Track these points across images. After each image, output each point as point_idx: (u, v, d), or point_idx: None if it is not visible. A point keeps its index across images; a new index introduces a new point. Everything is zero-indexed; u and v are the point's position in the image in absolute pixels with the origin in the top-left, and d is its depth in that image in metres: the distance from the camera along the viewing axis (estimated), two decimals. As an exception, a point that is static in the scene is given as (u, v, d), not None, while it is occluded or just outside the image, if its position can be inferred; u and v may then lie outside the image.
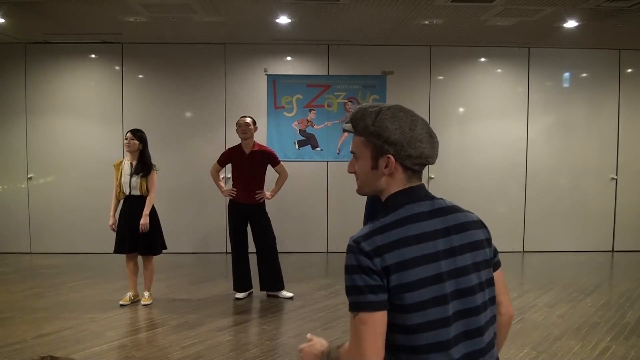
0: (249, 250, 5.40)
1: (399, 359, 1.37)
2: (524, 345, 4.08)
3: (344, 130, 1.57)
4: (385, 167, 1.45)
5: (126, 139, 5.03)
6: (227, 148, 5.59)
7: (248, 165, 5.24)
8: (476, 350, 1.41)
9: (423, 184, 1.52)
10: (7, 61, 7.21)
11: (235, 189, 5.29)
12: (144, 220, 4.95)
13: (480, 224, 1.53)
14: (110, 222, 5.07)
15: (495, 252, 1.55)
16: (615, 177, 7.64)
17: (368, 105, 1.49)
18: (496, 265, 1.55)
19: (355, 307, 1.35)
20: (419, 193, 1.48)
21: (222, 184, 5.57)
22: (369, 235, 1.38)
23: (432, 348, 1.34)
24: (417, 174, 1.50)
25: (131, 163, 5.01)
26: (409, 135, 1.44)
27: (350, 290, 1.36)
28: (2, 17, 5.80)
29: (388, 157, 1.44)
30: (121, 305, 5.01)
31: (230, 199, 5.38)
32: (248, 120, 5.24)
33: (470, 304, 1.40)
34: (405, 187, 1.47)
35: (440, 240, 1.41)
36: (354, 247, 1.37)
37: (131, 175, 4.97)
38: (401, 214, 1.43)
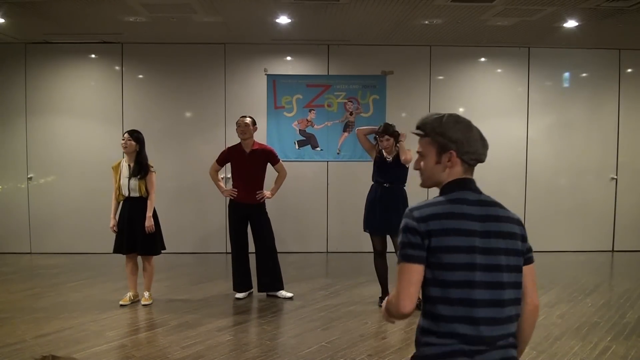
0: (249, 250, 5.40)
1: (436, 309, 1.70)
2: (524, 345, 4.08)
3: (416, 134, 1.87)
4: (448, 161, 1.79)
5: (123, 139, 5.02)
6: (226, 148, 5.57)
7: (248, 164, 5.23)
8: (496, 318, 1.68)
9: (474, 179, 1.83)
10: (7, 61, 7.21)
11: (235, 189, 5.29)
12: (149, 223, 4.95)
13: (518, 222, 1.80)
14: (111, 223, 5.06)
15: (530, 250, 1.80)
16: (615, 177, 7.64)
17: (432, 114, 1.86)
18: (528, 260, 1.79)
19: (400, 258, 1.73)
20: (470, 184, 1.82)
21: (222, 184, 5.57)
22: (423, 207, 1.76)
23: (460, 303, 1.67)
24: (471, 168, 1.83)
25: (129, 165, 5.00)
26: (467, 135, 1.79)
27: (400, 245, 1.75)
28: (2, 17, 5.80)
29: (450, 153, 1.78)
30: (121, 305, 5.01)
31: (230, 199, 5.37)
32: (247, 120, 5.23)
33: (496, 278, 1.69)
34: (460, 177, 1.81)
35: (479, 223, 1.72)
36: (408, 213, 1.77)
37: (129, 178, 4.96)
38: (452, 196, 1.77)
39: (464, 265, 1.68)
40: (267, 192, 5.30)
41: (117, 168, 5.05)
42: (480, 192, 1.82)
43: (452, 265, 1.68)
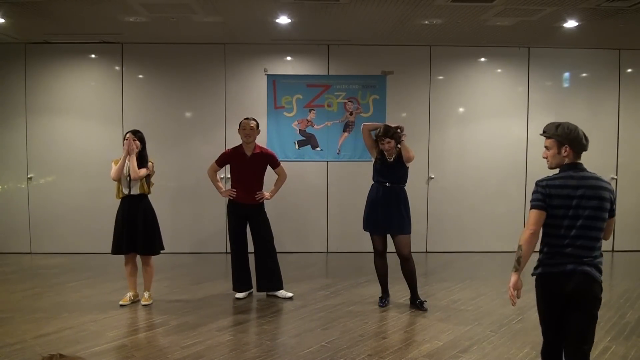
0: (248, 251, 5.40)
1: (549, 237, 2.88)
2: (524, 345, 4.09)
3: (542, 135, 3.01)
4: (565, 153, 2.89)
5: (127, 139, 5.00)
6: (227, 149, 5.54)
7: (249, 167, 5.24)
8: (582, 245, 2.79)
9: (580, 162, 2.94)
10: (7, 61, 7.22)
11: (234, 190, 5.29)
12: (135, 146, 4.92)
13: (609, 190, 2.88)
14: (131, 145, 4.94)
15: (613, 205, 2.90)
16: (615, 177, 7.64)
17: (553, 122, 3.00)
18: (611, 213, 2.90)
19: (531, 206, 2.88)
20: (578, 166, 2.92)
21: (221, 184, 5.55)
22: (546, 179, 2.89)
23: (560, 235, 2.83)
24: (579, 155, 2.92)
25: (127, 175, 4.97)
26: (576, 135, 2.91)
27: (532, 198, 2.88)
28: (2, 17, 5.80)
29: (565, 147, 2.89)
30: (121, 305, 5.01)
31: (229, 200, 5.37)
32: (253, 124, 5.20)
33: (589, 227, 2.80)
34: (572, 162, 2.91)
35: (579, 190, 2.82)
36: (538, 182, 2.90)
37: (130, 176, 4.96)
38: (563, 174, 2.89)
39: (564, 214, 2.83)
40: (266, 193, 5.31)
41: (117, 161, 5.04)
42: (584, 170, 2.94)
43: (557, 210, 2.84)
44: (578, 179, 2.87)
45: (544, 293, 2.97)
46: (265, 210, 5.39)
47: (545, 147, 2.99)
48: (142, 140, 5.06)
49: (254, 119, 5.30)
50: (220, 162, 5.37)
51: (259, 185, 5.31)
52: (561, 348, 2.92)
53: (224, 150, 5.52)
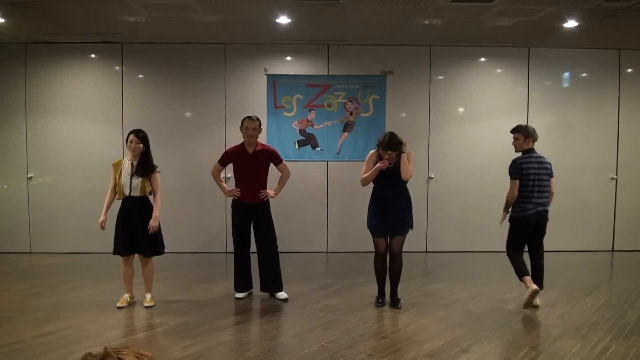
0: (250, 250, 5.39)
1: (523, 193, 5.02)
2: (524, 345, 4.08)
3: (514, 131, 5.22)
4: (526, 143, 5.07)
5: (131, 141, 4.90)
6: (228, 148, 5.47)
7: (251, 164, 5.19)
8: (539, 201, 5.04)
9: (534, 148, 5.08)
10: (7, 61, 7.22)
11: (238, 189, 5.27)
12: (155, 222, 4.91)
13: (549, 164, 5.09)
14: (101, 218, 4.94)
15: (551, 172, 5.12)
16: (615, 176, 7.65)
17: (519, 124, 5.25)
18: (551, 175, 5.10)
19: (511, 177, 5.02)
20: (533, 150, 5.06)
21: (225, 184, 5.49)
22: (519, 160, 5.03)
23: (529, 193, 5.01)
24: (533, 144, 5.07)
25: (132, 163, 4.93)
26: (533, 131, 5.09)
27: (512, 172, 5.02)
28: (2, 17, 5.80)
29: (528, 139, 5.04)
30: (118, 307, 4.97)
31: (233, 199, 5.34)
32: (256, 124, 5.14)
33: (542, 185, 5.02)
34: (530, 148, 5.06)
35: (536, 165, 5.01)
36: (514, 160, 5.05)
37: (132, 176, 4.90)
38: (527, 156, 5.04)
39: (532, 179, 4.97)
40: (270, 192, 5.28)
41: (117, 165, 4.97)
42: (536, 153, 5.04)
43: (525, 178, 4.96)
44: (535, 157, 5.04)
45: (522, 224, 5.08)
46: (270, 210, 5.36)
47: (515, 138, 5.11)
48: (145, 140, 4.96)
49: (257, 118, 5.23)
50: (223, 161, 5.32)
51: (263, 183, 5.27)
52: (524, 246, 5.20)
53: (225, 150, 5.46)
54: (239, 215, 5.30)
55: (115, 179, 4.96)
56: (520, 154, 5.07)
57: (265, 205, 5.28)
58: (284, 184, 5.37)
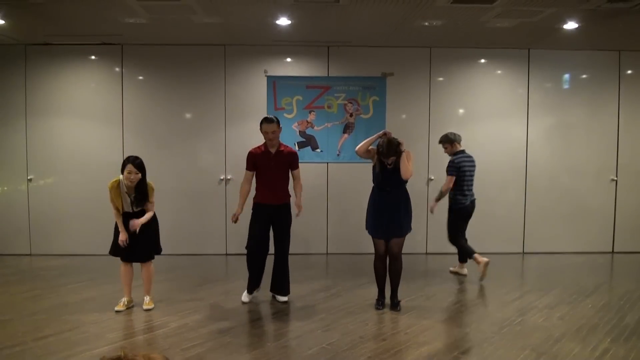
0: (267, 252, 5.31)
1: (460, 186, 6.05)
2: (525, 347, 4.08)
3: (442, 143, 6.30)
4: (455, 147, 6.12)
5: (129, 172, 4.70)
6: (250, 151, 5.24)
7: (274, 165, 5.12)
8: (471, 192, 6.17)
9: (464, 149, 6.11)
10: (7, 63, 7.22)
11: (237, 218, 5.15)
12: (138, 222, 4.81)
13: (474, 161, 6.16)
14: (123, 237, 4.84)
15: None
16: (615, 178, 7.65)
17: (445, 134, 6.28)
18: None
19: (449, 173, 6.04)
20: (464, 151, 6.08)
21: (241, 208, 5.21)
22: (457, 159, 6.01)
23: (465, 186, 6.07)
24: (460, 146, 6.12)
25: (128, 194, 4.82)
26: (458, 137, 6.18)
27: (450, 170, 6.04)
28: (2, 19, 5.80)
29: (455, 144, 6.12)
30: (116, 311, 4.95)
31: (254, 202, 5.20)
32: (274, 127, 5.02)
33: (472, 179, 6.18)
34: (460, 150, 6.08)
35: (469, 163, 6.05)
36: (452, 159, 6.05)
37: (132, 203, 4.84)
38: (460, 156, 6.05)
39: (466, 175, 6.02)
40: (299, 208, 5.21)
41: (116, 189, 4.83)
42: (466, 153, 6.05)
43: (463, 175, 5.99)
44: (466, 156, 6.01)
45: (463, 213, 6.07)
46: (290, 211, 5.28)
47: (445, 147, 6.15)
48: (141, 168, 4.78)
49: (275, 118, 5.12)
50: (250, 164, 5.16)
51: (285, 184, 5.21)
52: (465, 231, 6.25)
53: (248, 152, 5.22)
54: (260, 216, 5.15)
55: (116, 202, 4.85)
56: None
57: (286, 206, 5.22)
58: (301, 195, 5.28)
